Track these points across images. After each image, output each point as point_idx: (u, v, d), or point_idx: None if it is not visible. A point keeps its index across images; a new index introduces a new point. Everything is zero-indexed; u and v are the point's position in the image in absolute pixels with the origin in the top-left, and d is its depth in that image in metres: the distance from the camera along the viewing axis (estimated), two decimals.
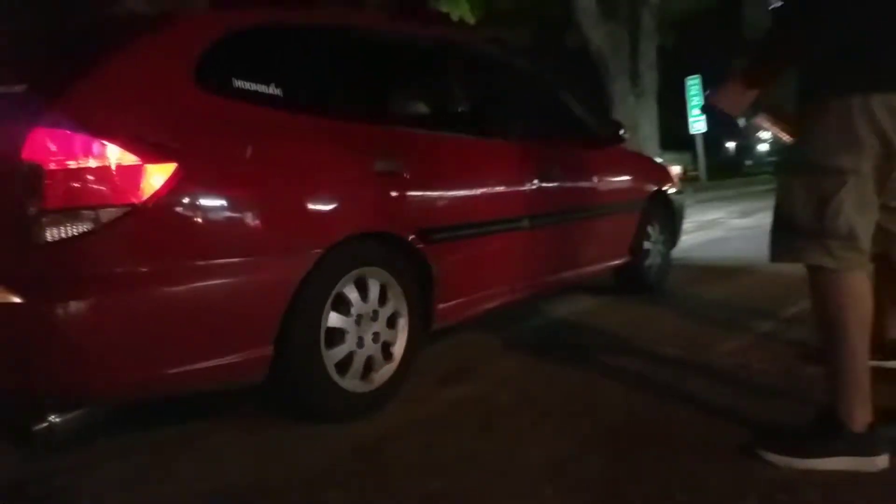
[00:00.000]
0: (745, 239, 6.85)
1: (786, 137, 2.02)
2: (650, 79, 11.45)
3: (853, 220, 1.71)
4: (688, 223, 5.76)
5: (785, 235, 1.83)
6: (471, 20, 9.19)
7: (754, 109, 1.96)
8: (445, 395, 2.53)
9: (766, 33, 1.84)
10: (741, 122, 1.99)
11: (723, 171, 30.71)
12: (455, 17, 8.94)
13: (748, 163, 50.14)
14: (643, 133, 11.21)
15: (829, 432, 1.76)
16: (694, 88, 13.45)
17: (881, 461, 1.72)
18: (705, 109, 1.93)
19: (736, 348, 2.89)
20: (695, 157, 18.96)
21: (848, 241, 1.73)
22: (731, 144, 55.36)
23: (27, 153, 1.76)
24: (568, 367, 2.80)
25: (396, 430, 2.21)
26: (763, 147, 67.55)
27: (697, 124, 13.25)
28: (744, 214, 9.69)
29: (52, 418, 1.94)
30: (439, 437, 2.14)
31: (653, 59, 11.57)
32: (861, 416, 1.74)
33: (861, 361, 1.75)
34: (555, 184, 3.34)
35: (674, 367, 2.70)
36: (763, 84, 1.85)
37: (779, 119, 2.02)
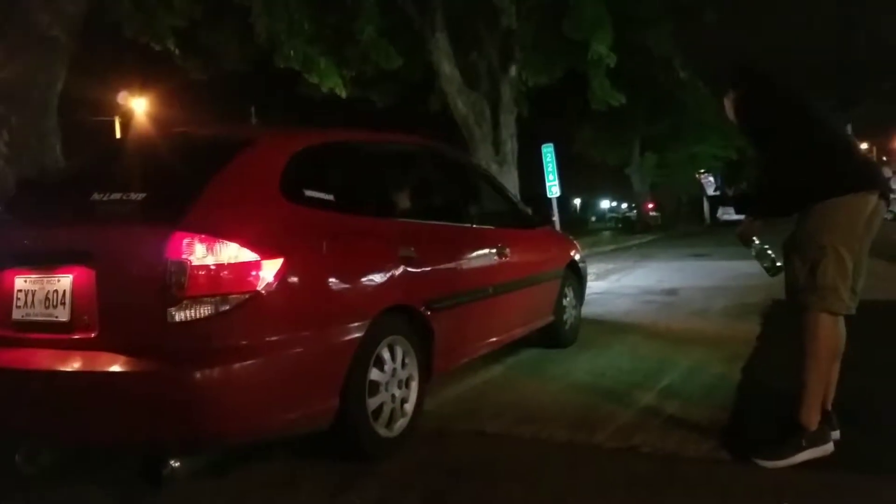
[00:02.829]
0: (602, 304, 7.33)
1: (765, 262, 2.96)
2: (511, 147, 12.14)
3: (835, 279, 2.54)
4: None
5: (790, 289, 2.66)
6: (342, 93, 9.30)
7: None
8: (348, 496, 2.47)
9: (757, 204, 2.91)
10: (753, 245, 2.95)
11: (572, 227, 32.80)
12: (325, 88, 9.02)
13: (593, 219, 53.88)
14: None
15: (795, 437, 2.56)
16: (549, 155, 14.38)
17: (831, 446, 2.58)
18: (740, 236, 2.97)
19: (621, 427, 3.10)
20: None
21: (833, 293, 2.54)
22: (577, 201, 59.35)
23: (171, 252, 2.24)
24: (469, 459, 2.86)
25: None
26: (605, 204, 72.90)
27: (553, 188, 14.16)
28: (598, 277, 10.28)
29: (173, 463, 2.38)
30: None
31: (513, 129, 12.29)
32: (816, 418, 2.59)
33: (825, 381, 2.61)
34: (506, 259, 4.07)
35: (566, 454, 2.85)
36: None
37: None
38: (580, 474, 2.60)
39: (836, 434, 2.71)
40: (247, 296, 2.31)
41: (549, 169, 14.34)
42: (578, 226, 39.46)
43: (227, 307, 2.27)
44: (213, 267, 2.28)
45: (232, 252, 2.31)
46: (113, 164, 2.99)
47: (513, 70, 12.16)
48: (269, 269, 2.38)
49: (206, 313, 2.25)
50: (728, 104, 2.94)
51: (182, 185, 2.48)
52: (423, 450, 2.98)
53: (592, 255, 15.41)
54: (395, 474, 2.71)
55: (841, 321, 2.68)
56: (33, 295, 2.48)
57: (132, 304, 2.32)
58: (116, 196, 2.51)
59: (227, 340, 2.29)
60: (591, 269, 11.34)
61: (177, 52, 8.79)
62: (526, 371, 4.36)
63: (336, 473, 2.71)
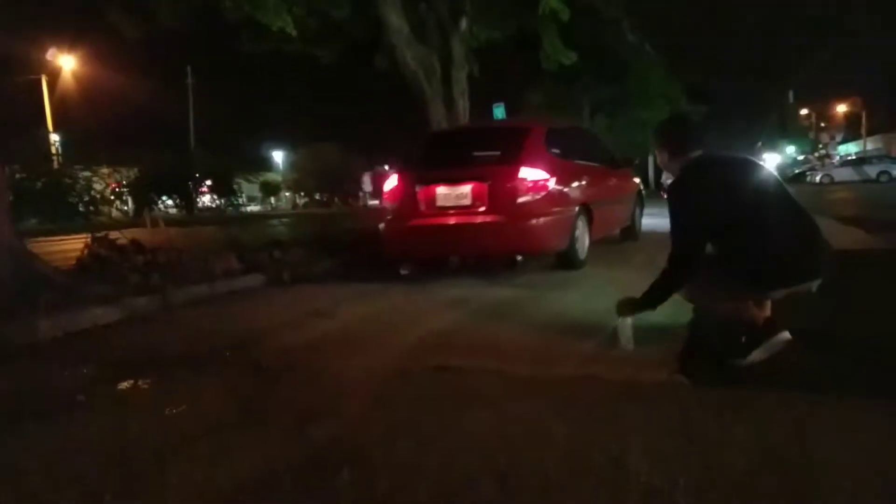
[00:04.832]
0: None
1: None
2: (462, 105, 11.98)
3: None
4: None
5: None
6: (292, 32, 9.06)
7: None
8: (310, 433, 2.43)
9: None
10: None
11: None
12: (276, 27, 8.81)
13: None
14: None
15: (752, 335, 2.88)
16: (500, 114, 14.29)
17: (784, 335, 2.83)
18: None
19: (581, 360, 3.14)
20: None
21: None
22: None
23: (520, 175, 5.87)
24: (434, 391, 2.86)
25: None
26: None
27: None
28: None
29: (518, 258, 6.50)
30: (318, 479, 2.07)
31: (465, 87, 12.12)
32: (758, 318, 2.91)
33: (739, 306, 2.93)
34: (615, 183, 8.10)
35: (529, 384, 2.87)
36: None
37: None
38: (545, 400, 2.62)
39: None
40: (544, 192, 5.87)
41: None
42: None
43: (539, 196, 5.83)
44: (533, 181, 5.82)
45: (540, 175, 5.88)
46: (473, 138, 7.11)
47: (463, 24, 11.94)
48: (551, 182, 5.92)
49: (532, 199, 5.80)
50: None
51: (513, 148, 6.11)
52: (382, 388, 2.95)
53: None
54: (355, 410, 2.68)
55: None
56: (448, 195, 5.95)
57: (503, 196, 5.80)
58: (487, 153, 6.38)
59: (539, 210, 5.79)
60: None
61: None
62: (488, 315, 4.38)
63: (301, 402, 2.66)
